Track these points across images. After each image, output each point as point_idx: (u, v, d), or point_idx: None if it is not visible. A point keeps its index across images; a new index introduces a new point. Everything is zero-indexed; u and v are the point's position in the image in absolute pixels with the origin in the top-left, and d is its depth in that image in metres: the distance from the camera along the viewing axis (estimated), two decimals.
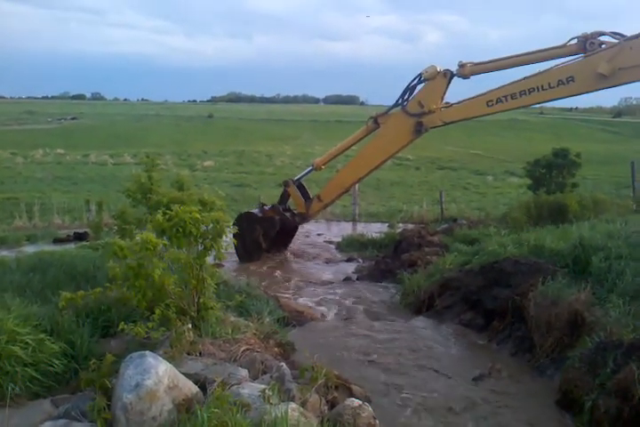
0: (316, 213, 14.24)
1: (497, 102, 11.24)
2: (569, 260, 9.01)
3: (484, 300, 9.08)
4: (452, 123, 12.39)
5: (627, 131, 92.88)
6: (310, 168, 14.20)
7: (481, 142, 65.89)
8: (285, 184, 14.50)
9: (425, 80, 12.18)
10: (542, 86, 10.67)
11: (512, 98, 11.05)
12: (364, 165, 13.25)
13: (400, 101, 12.42)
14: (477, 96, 11.63)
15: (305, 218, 14.12)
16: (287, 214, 14.34)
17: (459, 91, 12.78)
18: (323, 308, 10.29)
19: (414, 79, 12.24)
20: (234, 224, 13.84)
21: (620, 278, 7.81)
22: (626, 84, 10.29)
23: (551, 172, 20.72)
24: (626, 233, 9.91)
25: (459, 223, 17.67)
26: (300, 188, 14.41)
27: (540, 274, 8.47)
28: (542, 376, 7.07)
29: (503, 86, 11.18)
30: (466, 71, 11.86)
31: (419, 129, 12.22)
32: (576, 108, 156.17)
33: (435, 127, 12.39)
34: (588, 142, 58.83)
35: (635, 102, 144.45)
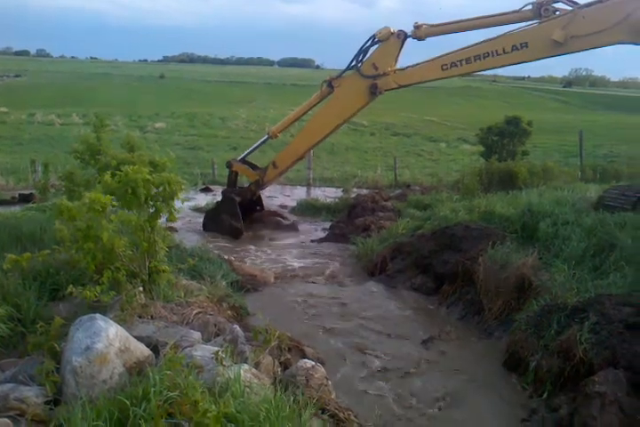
0: (272, 180, 13.98)
1: (451, 66, 11.20)
2: (518, 225, 9.25)
3: (435, 264, 9.24)
4: (406, 86, 12.30)
5: (576, 101, 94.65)
6: (266, 137, 13.93)
7: (435, 109, 66.15)
8: (229, 165, 14.28)
9: (379, 41, 12.01)
10: (496, 51, 10.68)
11: (466, 62, 11.03)
12: (318, 129, 13.04)
13: (354, 64, 12.24)
14: (432, 60, 11.54)
15: (260, 185, 13.88)
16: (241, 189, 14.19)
17: (417, 54, 12.65)
18: (275, 271, 10.29)
19: (368, 40, 12.05)
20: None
21: (565, 244, 8.06)
22: (578, 51, 10.39)
23: (503, 139, 21.03)
24: (572, 200, 10.21)
25: (412, 189, 17.88)
26: (246, 163, 14.20)
27: (489, 239, 8.66)
28: (490, 338, 7.28)
29: (458, 51, 11.16)
30: (421, 33, 11.72)
31: (373, 91, 12.07)
32: (528, 76, 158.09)
33: (389, 90, 12.27)
34: (539, 111, 59.74)
35: (584, 73, 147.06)
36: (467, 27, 11.48)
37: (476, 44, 10.96)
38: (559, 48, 10.22)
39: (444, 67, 11.28)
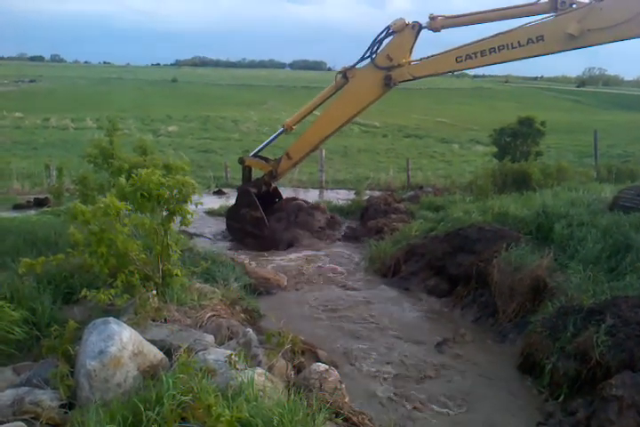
0: (286, 171, 13.65)
1: (466, 59, 11.05)
2: (532, 227, 9.18)
3: (449, 266, 9.20)
4: (421, 77, 12.18)
5: (590, 100, 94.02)
6: (281, 130, 13.71)
7: (447, 110, 65.95)
8: (241, 161, 14.10)
9: (393, 33, 11.86)
10: (512, 44, 10.55)
11: (481, 55, 10.90)
12: (333, 120, 12.91)
13: (368, 55, 12.10)
14: (447, 52, 11.40)
15: (274, 176, 13.61)
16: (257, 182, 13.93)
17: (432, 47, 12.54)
18: (288, 275, 10.27)
19: (382, 32, 11.87)
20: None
21: (581, 245, 7.98)
22: (594, 45, 10.25)
23: (516, 140, 20.89)
24: (587, 201, 10.11)
25: (425, 191, 17.79)
26: (258, 157, 14.01)
27: (503, 241, 8.60)
28: (505, 341, 7.22)
29: (473, 43, 11.03)
30: (436, 24, 11.57)
31: (387, 83, 11.93)
32: (541, 76, 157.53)
33: (403, 81, 12.14)
34: (553, 111, 59.38)
35: (598, 72, 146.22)
36: (482, 19, 11.36)
37: (492, 36, 10.81)
38: (575, 42, 10.07)
39: (459, 59, 11.15)
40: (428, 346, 7.17)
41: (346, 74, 12.40)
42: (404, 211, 14.15)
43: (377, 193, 17.78)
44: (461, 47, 11.13)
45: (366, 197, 16.74)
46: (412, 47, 11.91)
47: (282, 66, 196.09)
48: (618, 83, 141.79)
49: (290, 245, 12.76)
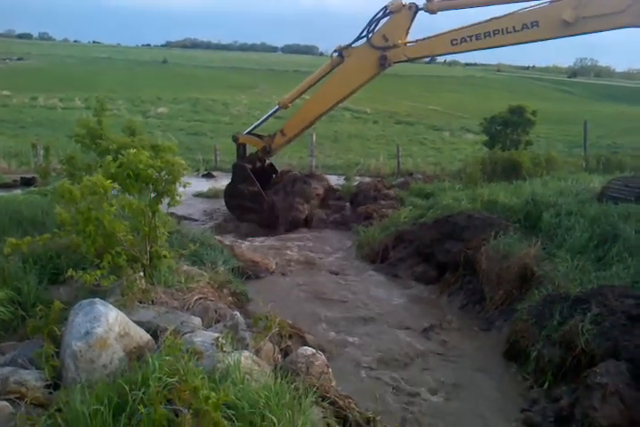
0: (280, 146, 13.69)
1: (461, 42, 11.13)
2: (521, 215, 9.22)
3: (437, 253, 9.23)
4: (415, 59, 12.29)
5: (581, 91, 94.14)
6: (276, 107, 13.69)
7: (438, 98, 65.82)
8: (235, 139, 14.06)
9: (390, 13, 11.83)
10: (507, 29, 10.57)
11: (476, 38, 10.95)
12: (328, 97, 12.90)
13: (365, 34, 12.09)
14: (442, 34, 11.45)
15: (267, 152, 13.58)
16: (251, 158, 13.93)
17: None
18: (277, 258, 10.26)
19: (379, 11, 11.91)
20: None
21: (568, 234, 8.03)
22: (588, 33, 10.29)
23: (507, 129, 20.92)
24: (576, 190, 10.16)
25: (414, 178, 17.79)
26: (252, 135, 14.01)
27: (492, 228, 8.63)
28: (491, 328, 7.26)
29: (468, 26, 11.06)
30: (433, 6, 11.54)
31: (382, 63, 11.94)
32: (533, 66, 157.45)
33: (398, 62, 12.21)
34: (544, 101, 59.40)
35: (589, 63, 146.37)
36: (479, 2, 11.37)
37: (487, 20, 10.83)
38: (569, 29, 10.11)
39: (454, 42, 11.19)
40: (415, 332, 7.20)
41: (342, 53, 12.40)
42: (394, 197, 14.15)
43: (367, 179, 17.76)
44: (457, 30, 11.16)
45: (356, 183, 16.73)
46: (409, 28, 11.91)
47: (273, 49, 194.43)
48: (609, 74, 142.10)
49: (292, 222, 12.86)
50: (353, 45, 12.38)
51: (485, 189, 11.47)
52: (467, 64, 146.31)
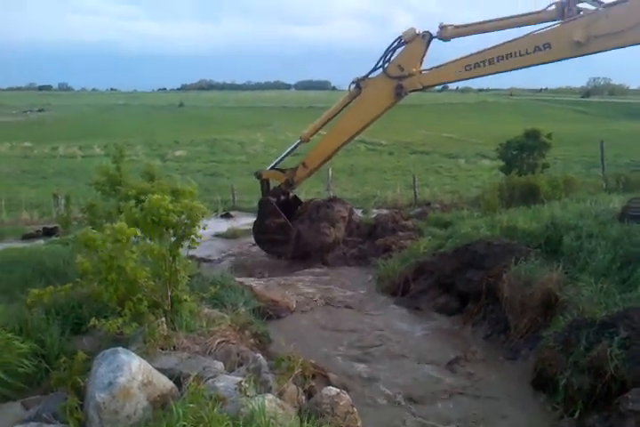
0: (302, 179, 13.97)
1: (475, 67, 11.28)
2: (541, 240, 9.11)
3: (459, 283, 9.13)
4: (431, 86, 12.53)
5: (595, 110, 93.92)
6: (298, 141, 13.97)
7: (452, 125, 66.07)
8: (258, 175, 14.32)
9: (404, 43, 12.14)
10: (519, 52, 10.68)
11: (490, 63, 11.08)
12: (346, 129, 13.17)
13: (381, 64, 12.33)
14: (456, 60, 11.62)
15: (290, 184, 13.90)
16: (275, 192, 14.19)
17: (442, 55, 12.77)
18: (298, 296, 10.22)
19: (394, 42, 12.18)
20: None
21: (591, 257, 7.91)
22: (600, 52, 10.36)
23: (523, 153, 20.90)
24: (596, 212, 10.04)
25: (432, 207, 17.78)
26: (275, 170, 14.28)
27: (512, 255, 8.53)
28: (517, 357, 7.12)
29: (481, 51, 11.19)
30: (446, 34, 11.84)
31: (399, 92, 12.18)
32: (545, 88, 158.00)
33: (414, 91, 12.43)
34: (558, 123, 59.31)
35: (602, 82, 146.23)
36: (491, 28, 11.54)
37: (499, 44, 11.00)
38: (581, 48, 10.20)
39: (468, 67, 11.35)
40: (440, 365, 7.10)
41: (359, 84, 12.66)
42: (412, 228, 14.12)
43: (384, 211, 17.76)
44: (470, 56, 11.34)
45: (374, 216, 16.72)
46: (423, 57, 12.19)
47: (287, 87, 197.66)
48: (623, 92, 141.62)
49: (321, 247, 13.04)
50: (370, 76, 12.63)
51: (504, 215, 11.39)
52: (479, 90, 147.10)
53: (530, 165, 20.35)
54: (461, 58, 11.51)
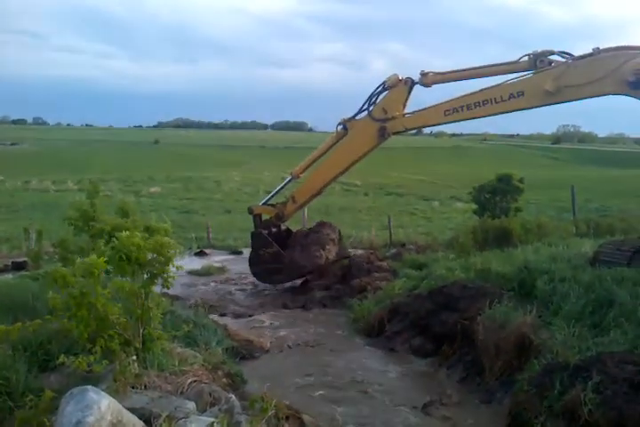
0: (291, 213, 14.54)
1: (453, 112, 11.83)
2: (515, 283, 9.20)
3: (433, 324, 9.13)
4: (412, 129, 13.13)
5: (565, 157, 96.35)
6: (289, 178, 14.64)
7: (426, 168, 67.14)
8: (250, 211, 14.76)
9: (388, 87, 12.75)
10: (495, 99, 11.26)
11: (467, 108, 11.63)
12: (333, 167, 13.83)
13: (366, 107, 12.98)
14: (436, 105, 12.19)
15: (280, 218, 14.46)
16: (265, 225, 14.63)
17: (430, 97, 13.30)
18: (272, 336, 10.10)
19: (378, 87, 12.81)
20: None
21: (564, 301, 7.98)
22: (571, 101, 10.91)
23: (495, 197, 21.23)
24: (568, 256, 10.20)
25: (407, 248, 17.84)
26: (266, 205, 14.82)
27: (487, 298, 8.57)
28: (492, 401, 7.07)
29: (459, 97, 11.78)
30: (428, 80, 12.46)
31: (382, 133, 12.76)
32: (518, 134, 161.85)
33: (397, 133, 13.03)
34: (530, 168, 60.58)
35: (572, 130, 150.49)
36: (469, 75, 12.20)
37: (476, 91, 11.57)
38: (552, 97, 10.75)
39: (447, 112, 11.92)
40: (415, 408, 7.01)
41: (345, 125, 13.35)
42: (387, 269, 14.13)
43: (359, 251, 17.78)
44: (449, 101, 11.91)
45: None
46: (406, 101, 12.80)
47: (264, 127, 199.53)
48: (592, 139, 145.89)
49: (315, 269, 13.94)
50: (356, 118, 13.26)
51: (478, 257, 11.51)
52: (453, 134, 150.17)
53: (502, 209, 20.66)
54: (441, 103, 12.03)
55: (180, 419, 4.81)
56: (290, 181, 14.64)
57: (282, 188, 14.88)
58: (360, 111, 13.12)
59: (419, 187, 50.76)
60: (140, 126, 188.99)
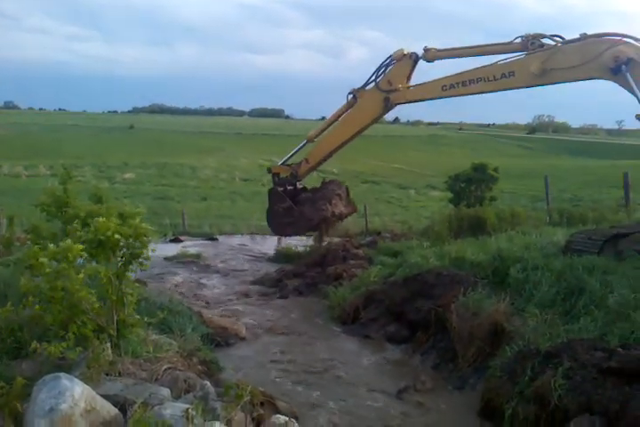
0: (305, 173, 15.66)
1: (450, 88, 12.64)
2: (489, 271, 9.30)
3: (408, 312, 9.19)
4: (414, 101, 13.81)
5: (539, 147, 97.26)
6: (304, 142, 15.70)
7: (403, 157, 67.37)
8: (269, 170, 16.16)
9: (394, 61, 13.63)
10: (488, 77, 11.99)
11: (462, 85, 12.42)
12: (342, 133, 14.86)
13: (373, 79, 13.86)
14: (435, 80, 13.03)
15: (295, 176, 15.56)
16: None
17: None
18: (247, 323, 10.10)
19: (386, 59, 13.73)
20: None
21: (536, 288, 8.09)
22: (557, 83, 11.59)
23: (470, 186, 21.43)
24: (541, 245, 10.32)
25: (383, 236, 17.92)
26: (284, 165, 15.96)
27: (461, 285, 8.66)
28: (465, 387, 7.17)
29: (456, 74, 12.53)
30: (430, 55, 13.37)
31: (387, 104, 13.72)
32: (493, 124, 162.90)
33: (399, 104, 13.86)
34: (505, 157, 61.19)
35: (547, 120, 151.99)
36: (467, 53, 13.12)
37: (472, 69, 12.33)
38: (540, 79, 11.43)
39: (444, 87, 12.76)
40: (389, 394, 7.08)
41: (355, 94, 14.28)
42: (363, 257, 14.19)
43: (336, 239, 17.83)
44: (447, 77, 12.80)
45: (325, 244, 16.76)
46: (410, 74, 13.75)
47: (241, 113, 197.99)
48: (566, 130, 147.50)
49: (322, 220, 15.18)
50: (365, 88, 14.16)
51: (453, 245, 11.60)
52: (429, 123, 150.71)
53: (477, 198, 20.89)
54: (440, 78, 12.92)
55: (155, 406, 4.80)
56: (305, 144, 15.78)
57: (298, 150, 15.94)
58: (368, 82, 14.00)
59: (395, 175, 50.97)
60: (115, 111, 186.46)
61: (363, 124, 14.50)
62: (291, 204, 15.04)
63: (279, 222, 15.31)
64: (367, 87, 14.13)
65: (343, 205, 15.80)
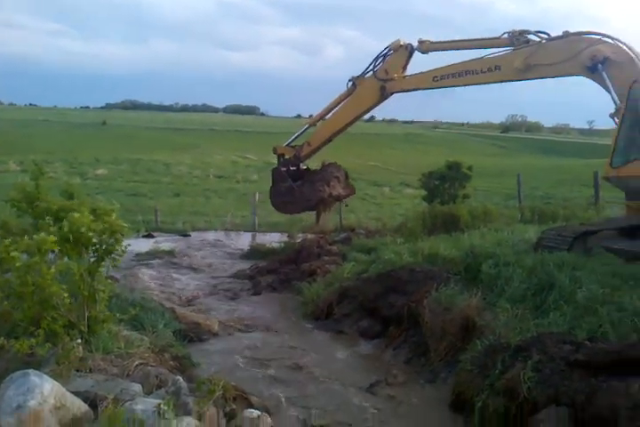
0: (307, 154, 16.28)
1: (441, 79, 13.25)
2: (461, 267, 9.41)
3: (381, 307, 9.25)
4: (408, 91, 14.44)
5: (513, 145, 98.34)
6: (306, 126, 16.72)
7: (379, 154, 67.60)
8: (274, 150, 16.73)
9: (391, 51, 14.30)
10: (476, 70, 12.60)
11: (452, 77, 13.02)
12: (341, 118, 15.62)
13: (372, 68, 14.54)
14: (428, 71, 13.61)
15: (298, 157, 16.25)
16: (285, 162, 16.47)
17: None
18: (219, 318, 10.06)
19: (384, 49, 14.39)
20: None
21: (508, 284, 8.19)
22: (540, 78, 12.27)
23: (444, 183, 21.60)
24: (512, 241, 10.47)
25: (357, 233, 17.98)
26: (288, 147, 16.61)
27: (434, 281, 8.75)
28: (436, 380, 7.23)
29: (447, 66, 13.15)
30: (424, 47, 14.04)
31: (383, 92, 14.34)
32: (467, 122, 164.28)
33: (395, 92, 14.47)
34: (479, 156, 61.76)
35: (520, 119, 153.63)
36: (459, 46, 13.80)
37: (461, 62, 12.93)
38: (525, 73, 11.97)
39: (435, 78, 13.40)
40: (361, 388, 7.12)
41: (354, 82, 14.92)
42: (337, 253, 14.23)
43: (310, 236, 17.84)
44: (438, 69, 13.41)
45: (299, 240, 16.79)
46: (406, 64, 14.42)
47: (215, 110, 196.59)
48: (538, 129, 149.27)
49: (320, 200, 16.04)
50: (364, 76, 14.79)
51: (426, 242, 11.69)
52: (404, 122, 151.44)
53: (451, 195, 21.05)
54: (432, 70, 13.49)
55: (126, 401, 4.77)
56: (307, 128, 16.67)
57: (301, 133, 16.78)
58: (366, 71, 14.66)
59: (370, 172, 51.07)
60: (87, 107, 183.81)
61: (360, 110, 15.37)
62: (291, 184, 15.80)
63: (281, 201, 16.09)
64: (366, 75, 14.74)
65: (341, 187, 16.59)
